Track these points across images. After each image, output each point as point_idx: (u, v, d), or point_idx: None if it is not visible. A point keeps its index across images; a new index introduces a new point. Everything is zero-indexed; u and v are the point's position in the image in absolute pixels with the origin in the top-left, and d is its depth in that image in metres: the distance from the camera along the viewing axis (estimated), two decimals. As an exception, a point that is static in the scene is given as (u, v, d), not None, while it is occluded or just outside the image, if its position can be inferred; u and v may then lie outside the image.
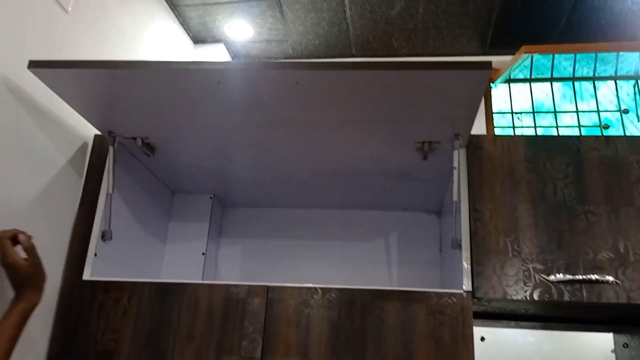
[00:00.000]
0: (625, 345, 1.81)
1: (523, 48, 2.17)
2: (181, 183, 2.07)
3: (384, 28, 2.32)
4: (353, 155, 1.70)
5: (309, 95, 1.34)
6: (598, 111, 2.41)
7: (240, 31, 2.42)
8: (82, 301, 1.51)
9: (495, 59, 2.48)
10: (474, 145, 1.56)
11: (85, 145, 1.69)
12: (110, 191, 1.62)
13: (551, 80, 2.44)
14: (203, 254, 2.07)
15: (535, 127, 2.44)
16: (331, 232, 2.19)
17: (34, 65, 1.31)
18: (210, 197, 2.14)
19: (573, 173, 1.50)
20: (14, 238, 1.25)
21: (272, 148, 1.69)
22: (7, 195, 1.35)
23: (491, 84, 2.48)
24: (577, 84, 2.49)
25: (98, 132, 1.68)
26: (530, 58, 2.29)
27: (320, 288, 1.45)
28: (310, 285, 1.46)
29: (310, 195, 2.09)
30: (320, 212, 2.21)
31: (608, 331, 1.84)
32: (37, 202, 1.46)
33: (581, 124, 2.45)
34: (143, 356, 1.42)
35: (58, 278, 1.54)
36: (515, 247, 1.44)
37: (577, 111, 2.42)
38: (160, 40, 2.25)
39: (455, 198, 1.50)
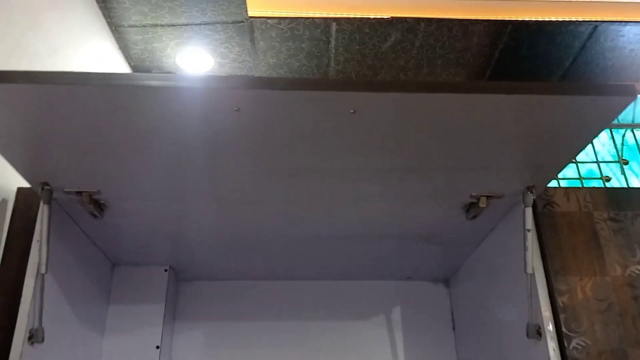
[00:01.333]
0: None
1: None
2: (127, 252, 1.58)
3: (371, 63, 2.01)
4: (378, 214, 1.35)
5: (363, 128, 0.96)
6: (597, 162, 2.21)
7: (197, 61, 2.01)
8: None
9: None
10: (542, 201, 1.24)
11: (4, 202, 1.18)
12: (43, 271, 1.12)
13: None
14: (157, 347, 1.56)
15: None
16: (320, 309, 1.79)
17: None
18: (166, 270, 1.66)
19: (668, 234, 1.22)
20: None
21: (267, 206, 1.28)
22: None
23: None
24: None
25: (23, 185, 1.18)
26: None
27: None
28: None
29: (295, 264, 1.69)
30: (305, 284, 1.81)
31: None
32: None
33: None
34: None
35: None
36: (619, 334, 1.11)
37: (576, 162, 2.22)
38: (94, 66, 1.78)
39: (529, 270, 1.16)
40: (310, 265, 1.69)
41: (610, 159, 2.21)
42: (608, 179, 2.21)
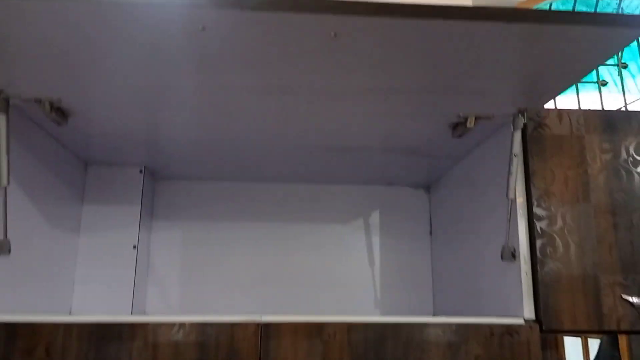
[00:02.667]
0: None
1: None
2: (99, 153, 1.53)
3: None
4: (359, 129, 1.28)
5: (346, 51, 0.88)
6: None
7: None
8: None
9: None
10: (533, 123, 1.18)
11: (-44, 109, 1.11)
12: (6, 183, 1.08)
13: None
14: (134, 247, 1.57)
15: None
16: (297, 212, 1.79)
17: None
18: (141, 171, 1.62)
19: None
20: None
21: (243, 118, 1.22)
22: None
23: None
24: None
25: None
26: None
27: (338, 323, 1.05)
28: (324, 319, 1.05)
29: (275, 167, 1.65)
30: (284, 186, 1.79)
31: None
32: None
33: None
34: None
35: None
36: (594, 260, 1.11)
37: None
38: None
39: (510, 195, 1.14)
40: (290, 168, 1.66)
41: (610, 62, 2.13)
42: (604, 83, 2.13)
